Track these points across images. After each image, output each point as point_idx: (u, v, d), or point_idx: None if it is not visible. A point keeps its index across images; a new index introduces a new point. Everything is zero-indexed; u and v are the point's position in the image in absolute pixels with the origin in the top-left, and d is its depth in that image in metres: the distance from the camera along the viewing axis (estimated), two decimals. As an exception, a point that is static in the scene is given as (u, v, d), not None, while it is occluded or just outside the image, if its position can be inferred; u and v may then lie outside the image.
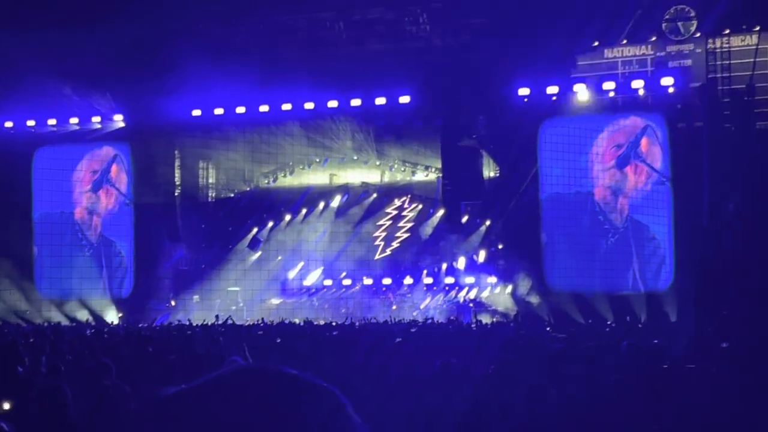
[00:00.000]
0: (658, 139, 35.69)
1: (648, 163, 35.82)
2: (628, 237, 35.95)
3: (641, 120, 36.12)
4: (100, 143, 40.36)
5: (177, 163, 40.17)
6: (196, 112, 38.07)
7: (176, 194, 40.24)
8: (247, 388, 1.59)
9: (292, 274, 41.87)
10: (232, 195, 42.72)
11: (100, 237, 40.64)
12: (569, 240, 36.28)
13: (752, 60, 33.00)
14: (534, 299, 36.20)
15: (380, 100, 37.01)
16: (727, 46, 34.00)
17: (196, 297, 41.04)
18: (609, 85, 35.42)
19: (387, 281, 40.54)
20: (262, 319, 33.04)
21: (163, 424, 1.57)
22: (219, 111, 38.00)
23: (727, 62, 33.74)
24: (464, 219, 39.47)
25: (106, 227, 40.63)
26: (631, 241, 35.90)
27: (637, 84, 35.22)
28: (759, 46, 33.64)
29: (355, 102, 37.27)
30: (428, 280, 40.22)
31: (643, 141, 35.93)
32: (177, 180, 40.35)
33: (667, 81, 34.62)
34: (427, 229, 41.03)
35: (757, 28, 34.72)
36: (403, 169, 41.60)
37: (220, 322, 30.63)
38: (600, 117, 36.28)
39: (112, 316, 38.60)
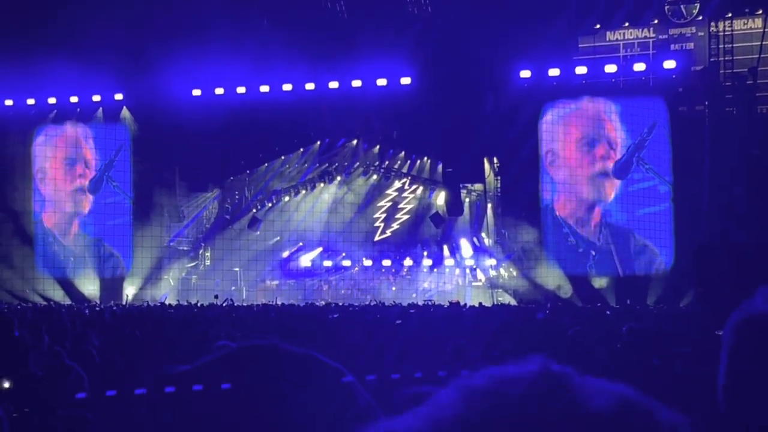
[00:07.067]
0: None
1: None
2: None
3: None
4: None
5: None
6: (197, 92, 37.93)
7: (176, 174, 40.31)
8: (252, 365, 1.56)
9: (288, 252, 41.76)
10: (232, 178, 42.58)
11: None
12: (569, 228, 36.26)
13: (755, 44, 32.86)
14: (535, 282, 36.20)
15: (381, 82, 36.83)
16: (729, 29, 33.90)
17: (194, 277, 41.10)
18: (611, 68, 35.25)
19: (387, 263, 40.47)
20: (263, 303, 33.01)
21: (168, 404, 1.55)
22: (220, 91, 37.86)
23: (730, 46, 33.65)
24: (465, 201, 39.42)
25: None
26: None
27: (639, 67, 35.06)
28: (764, 30, 33.48)
29: (356, 83, 37.06)
30: (428, 262, 40.17)
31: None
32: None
33: (669, 64, 34.48)
34: (428, 211, 40.91)
35: (760, 12, 34.59)
36: (403, 151, 41.42)
37: (220, 302, 30.64)
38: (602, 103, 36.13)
39: (98, 295, 38.82)
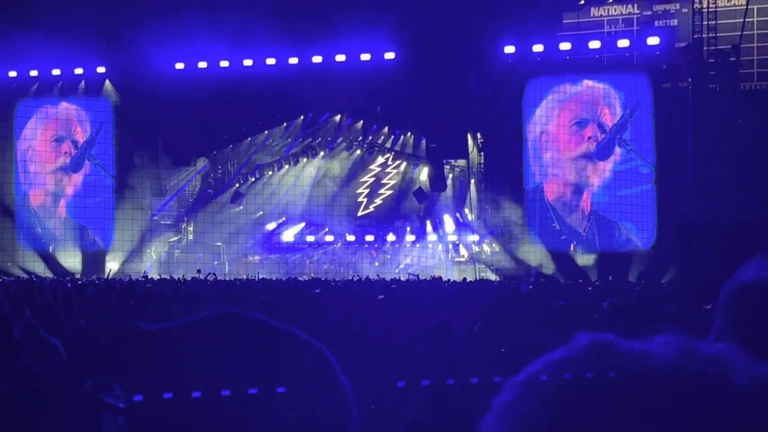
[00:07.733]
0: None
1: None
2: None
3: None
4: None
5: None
6: (180, 66, 37.77)
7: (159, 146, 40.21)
8: (232, 332, 1.54)
9: (270, 227, 41.74)
10: (215, 153, 42.43)
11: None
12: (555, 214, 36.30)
13: (738, 20, 32.86)
14: (517, 258, 36.29)
15: (365, 57, 36.75)
16: (713, 6, 33.84)
17: (177, 252, 41.05)
18: (595, 44, 35.24)
19: (370, 238, 40.49)
20: (245, 277, 33.04)
21: (144, 360, 1.53)
22: (203, 64, 37.71)
23: (714, 22, 33.60)
24: (448, 177, 39.42)
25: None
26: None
27: (623, 43, 35.08)
28: (747, 6, 33.46)
29: (340, 58, 36.97)
30: (411, 237, 40.21)
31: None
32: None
33: (652, 41, 34.52)
34: (411, 186, 40.90)
35: (745, -12, 34.58)
36: (386, 126, 41.37)
37: (202, 276, 30.63)
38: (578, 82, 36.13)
39: (80, 268, 38.81)
